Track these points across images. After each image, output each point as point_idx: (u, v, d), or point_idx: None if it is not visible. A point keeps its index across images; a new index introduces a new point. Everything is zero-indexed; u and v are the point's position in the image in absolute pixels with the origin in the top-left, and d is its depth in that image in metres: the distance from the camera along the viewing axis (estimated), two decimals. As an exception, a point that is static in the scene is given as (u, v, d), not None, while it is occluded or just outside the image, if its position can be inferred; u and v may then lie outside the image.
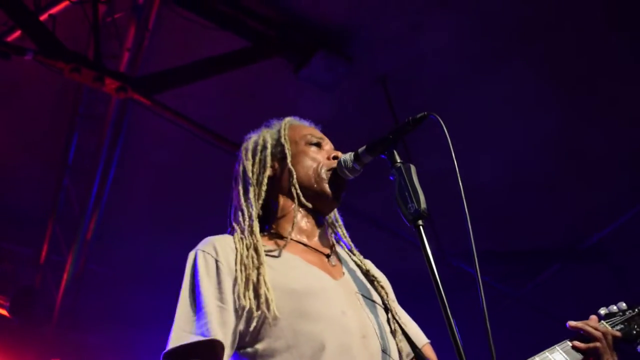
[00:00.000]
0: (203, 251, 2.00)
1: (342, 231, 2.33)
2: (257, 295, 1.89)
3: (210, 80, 5.10)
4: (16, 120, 5.69)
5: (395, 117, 5.28)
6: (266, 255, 2.01)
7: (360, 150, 2.11)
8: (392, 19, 4.96)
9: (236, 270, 1.95)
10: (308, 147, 2.27)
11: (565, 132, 5.78)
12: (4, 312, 6.72)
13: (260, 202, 2.17)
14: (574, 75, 5.36)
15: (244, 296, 1.88)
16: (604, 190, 6.28)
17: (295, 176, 2.17)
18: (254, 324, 1.87)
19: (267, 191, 2.19)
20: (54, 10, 4.80)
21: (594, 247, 6.88)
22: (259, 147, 2.30)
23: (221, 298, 1.89)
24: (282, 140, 2.27)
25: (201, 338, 1.81)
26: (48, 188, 6.11)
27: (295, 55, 5.03)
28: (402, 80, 5.33)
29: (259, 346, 1.86)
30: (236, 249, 2.01)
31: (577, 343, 2.16)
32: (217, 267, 1.95)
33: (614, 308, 2.50)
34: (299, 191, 2.15)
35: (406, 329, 2.11)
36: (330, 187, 2.17)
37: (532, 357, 2.09)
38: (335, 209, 2.33)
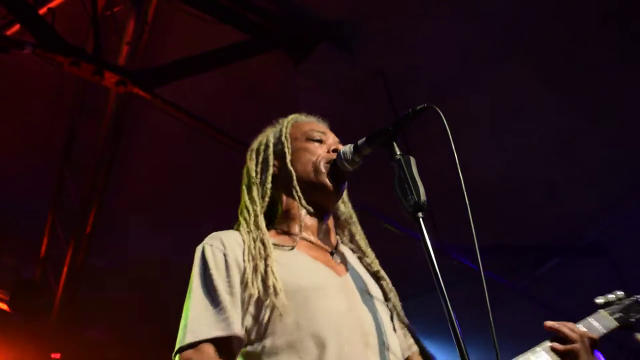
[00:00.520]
0: (211, 245, 2.00)
1: (356, 228, 2.32)
2: (265, 286, 1.89)
3: (211, 74, 5.09)
4: (16, 115, 5.69)
5: (395, 111, 5.27)
6: (273, 248, 2.01)
7: (359, 142, 2.10)
8: (393, 13, 4.95)
9: (244, 260, 1.95)
10: (308, 142, 2.26)
11: (565, 131, 5.78)
12: (4, 306, 6.73)
13: (266, 199, 2.18)
14: (573, 75, 5.35)
15: (252, 284, 1.88)
16: (603, 186, 6.28)
17: (294, 177, 2.18)
18: (261, 316, 1.87)
19: (271, 189, 2.20)
20: (53, 3, 4.79)
21: (593, 241, 6.90)
22: (262, 147, 2.31)
23: (231, 292, 1.89)
24: (283, 138, 2.28)
25: (222, 333, 1.81)
26: (48, 182, 6.11)
27: (295, 49, 5.03)
28: (402, 74, 5.32)
29: (264, 343, 1.85)
30: (244, 241, 2.02)
31: (555, 345, 2.15)
32: (226, 261, 1.95)
33: (611, 296, 2.50)
34: (299, 193, 2.16)
35: (412, 332, 2.12)
36: (329, 179, 2.17)
37: (515, 358, 2.10)
38: (350, 205, 2.33)
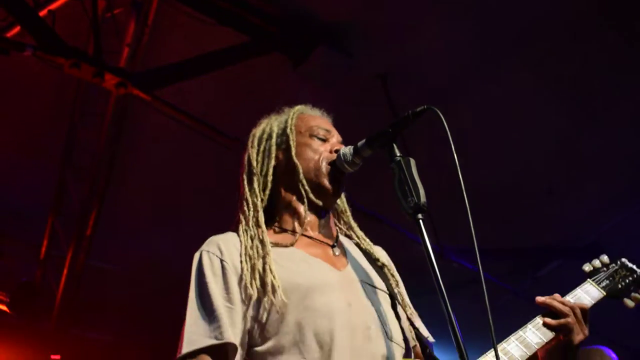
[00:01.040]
0: (208, 251, 1.99)
1: (350, 220, 2.32)
2: (263, 284, 1.89)
3: (210, 76, 5.09)
4: (17, 117, 5.69)
5: (395, 113, 5.27)
6: (271, 247, 2.01)
7: (359, 143, 2.10)
8: (392, 15, 4.95)
9: (241, 262, 1.95)
10: (312, 139, 2.24)
11: (565, 132, 5.78)
12: (4, 307, 6.73)
13: (267, 192, 2.16)
14: (573, 77, 5.36)
15: (251, 285, 1.89)
16: (603, 188, 6.29)
17: (301, 171, 2.15)
18: (262, 316, 1.87)
19: (272, 182, 2.18)
20: (54, 5, 4.79)
21: (593, 243, 6.90)
22: (265, 136, 2.27)
23: (229, 299, 1.89)
24: (288, 130, 2.24)
25: (215, 342, 1.81)
26: (48, 184, 6.11)
27: (295, 51, 5.03)
28: (402, 77, 5.32)
29: (267, 344, 1.86)
30: (240, 242, 2.01)
31: (547, 320, 2.15)
32: (223, 267, 1.95)
33: (596, 263, 2.50)
34: (307, 187, 2.14)
35: (412, 318, 2.11)
36: (329, 181, 2.16)
37: (508, 338, 2.10)
38: (344, 200, 2.32)
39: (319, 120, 2.35)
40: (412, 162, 1.90)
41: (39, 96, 5.56)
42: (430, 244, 1.75)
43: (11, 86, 5.43)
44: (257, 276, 1.91)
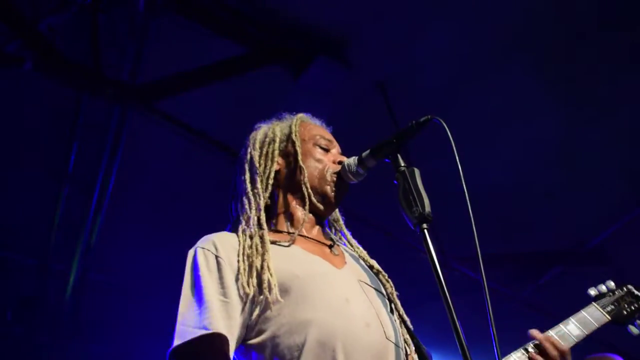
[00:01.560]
0: (202, 248, 1.99)
1: (343, 229, 2.35)
2: (260, 282, 1.90)
3: (210, 88, 5.10)
4: (16, 130, 5.69)
5: (396, 123, 5.29)
6: (270, 245, 2.02)
7: (364, 154, 2.11)
8: (390, 25, 4.97)
9: (238, 261, 1.95)
10: (315, 148, 2.27)
11: (566, 135, 5.78)
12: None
13: (267, 194, 2.18)
14: (573, 80, 5.36)
15: (247, 284, 1.89)
16: (605, 193, 6.28)
17: (306, 174, 2.18)
18: (257, 311, 1.88)
19: (272, 185, 2.20)
20: (53, 19, 4.81)
21: (596, 249, 6.88)
22: (267, 140, 2.30)
23: (224, 293, 1.89)
24: (294, 136, 2.28)
25: (204, 332, 1.81)
26: (49, 197, 6.10)
27: (294, 62, 5.04)
28: (402, 86, 5.33)
29: (264, 336, 1.86)
30: (239, 242, 2.01)
31: (533, 355, 2.16)
32: (218, 263, 1.94)
33: (602, 288, 2.53)
34: (309, 190, 2.16)
35: (408, 324, 2.12)
36: (334, 191, 2.19)
37: (507, 357, 2.11)
38: (337, 210, 2.35)
39: (321, 130, 2.39)
40: (417, 172, 1.91)
41: (39, 110, 5.56)
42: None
43: (10, 99, 5.44)
44: (255, 274, 1.91)
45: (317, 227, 2.21)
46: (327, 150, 2.29)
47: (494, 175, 6.01)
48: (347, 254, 2.21)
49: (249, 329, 1.89)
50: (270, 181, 2.20)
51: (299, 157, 2.21)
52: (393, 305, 2.11)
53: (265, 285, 1.87)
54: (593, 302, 2.42)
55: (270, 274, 1.90)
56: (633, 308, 2.46)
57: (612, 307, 2.42)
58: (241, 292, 1.88)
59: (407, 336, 2.07)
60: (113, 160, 5.58)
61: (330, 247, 2.15)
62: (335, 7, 4.93)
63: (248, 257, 1.95)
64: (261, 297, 1.86)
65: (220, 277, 1.92)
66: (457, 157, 1.80)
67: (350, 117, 5.47)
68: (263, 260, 1.94)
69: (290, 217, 2.17)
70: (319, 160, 2.24)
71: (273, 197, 2.23)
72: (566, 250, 7.06)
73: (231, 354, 1.83)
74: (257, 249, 1.97)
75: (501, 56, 5.19)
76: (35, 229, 6.39)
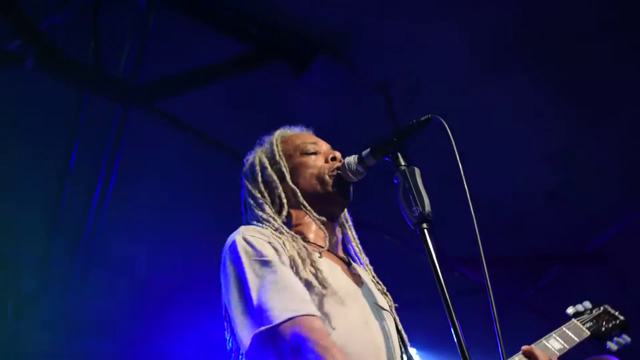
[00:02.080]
0: (252, 235, 1.95)
1: (351, 233, 2.34)
2: (315, 275, 1.88)
3: (211, 87, 5.10)
4: (17, 128, 5.69)
5: (396, 122, 5.28)
6: None
7: (364, 152, 2.11)
8: (392, 24, 4.97)
9: (288, 249, 1.92)
10: (305, 157, 2.28)
11: (567, 137, 5.78)
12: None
13: (284, 214, 2.17)
14: (575, 83, 5.36)
15: (304, 270, 1.87)
16: (606, 195, 6.27)
17: (299, 194, 2.18)
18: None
19: (287, 204, 2.19)
20: (55, 18, 4.81)
21: (596, 251, 6.87)
22: (258, 168, 2.29)
23: (295, 272, 1.87)
24: (277, 158, 2.28)
25: (315, 312, 1.75)
26: (49, 194, 6.11)
27: (295, 61, 5.04)
28: (403, 85, 5.33)
29: None
30: (278, 237, 1.99)
31: None
32: (274, 247, 1.91)
33: (580, 307, 2.63)
34: (309, 208, 2.17)
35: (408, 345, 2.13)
36: (335, 188, 2.19)
37: None
38: (346, 211, 2.34)
39: (303, 136, 2.39)
40: (417, 171, 1.91)
41: (40, 109, 5.56)
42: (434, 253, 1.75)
43: (11, 98, 5.44)
44: (308, 264, 1.89)
45: (334, 239, 2.21)
46: (316, 154, 2.29)
47: (495, 177, 6.01)
48: (360, 271, 2.22)
49: None
50: (284, 201, 2.18)
51: (288, 178, 2.21)
52: (399, 327, 2.12)
53: (321, 277, 1.86)
54: (573, 319, 2.50)
55: (325, 277, 1.88)
56: (610, 325, 2.58)
57: (591, 323, 2.53)
58: (300, 275, 1.86)
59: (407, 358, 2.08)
60: (114, 158, 5.58)
61: (348, 264, 2.16)
62: (336, 6, 4.93)
63: (293, 247, 1.94)
64: (319, 288, 1.84)
65: (281, 261, 1.87)
66: (457, 157, 1.79)
67: (351, 116, 5.48)
68: (312, 260, 1.92)
69: (308, 229, 2.17)
70: (312, 167, 2.24)
71: (287, 214, 2.20)
72: (567, 252, 7.05)
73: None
74: (300, 251, 1.95)
75: (502, 56, 5.19)
76: (36, 226, 6.39)
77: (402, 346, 2.05)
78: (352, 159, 2.16)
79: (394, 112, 5.32)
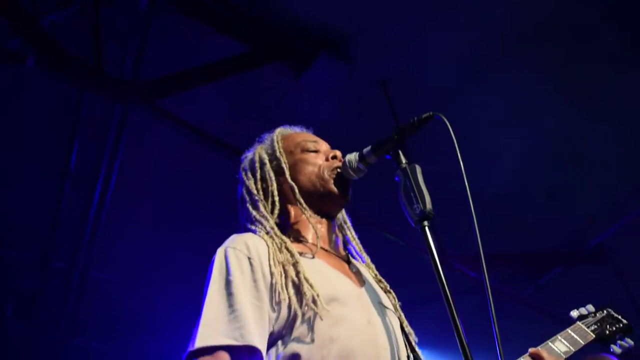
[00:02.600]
0: (234, 248, 1.93)
1: (350, 233, 2.33)
2: (298, 292, 1.85)
3: (212, 86, 5.10)
4: (18, 127, 5.69)
5: (397, 120, 5.28)
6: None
7: (365, 150, 2.11)
8: (393, 23, 4.97)
9: (270, 266, 1.90)
10: (305, 154, 2.27)
11: (567, 135, 5.78)
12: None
13: (276, 212, 2.16)
14: (575, 80, 5.36)
15: (282, 289, 1.84)
16: (605, 193, 6.28)
17: (297, 191, 2.17)
18: (287, 322, 1.83)
19: (279, 201, 2.18)
20: (55, 15, 4.81)
21: (596, 249, 6.88)
22: (257, 165, 2.28)
23: (258, 297, 1.84)
24: (277, 154, 2.27)
25: (233, 342, 1.74)
26: (50, 194, 6.11)
27: (296, 60, 5.04)
28: (404, 83, 5.33)
29: (287, 350, 1.81)
30: (267, 246, 1.97)
31: None
32: (251, 264, 1.89)
33: (583, 310, 2.62)
34: (304, 205, 2.15)
35: (414, 345, 2.11)
36: (335, 186, 2.18)
37: None
38: (344, 211, 2.33)
39: (304, 134, 2.39)
40: (418, 168, 1.90)
41: (41, 107, 5.56)
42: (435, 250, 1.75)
43: (13, 97, 5.44)
44: (290, 282, 1.87)
45: (333, 236, 2.20)
46: (316, 152, 2.29)
47: (495, 175, 6.01)
48: (361, 269, 2.20)
49: (279, 335, 1.84)
50: (276, 199, 2.17)
51: (287, 174, 2.20)
52: (404, 326, 2.11)
53: (309, 297, 1.83)
54: (578, 322, 2.51)
55: (310, 285, 1.86)
56: (614, 328, 2.59)
57: (595, 326, 2.53)
58: (275, 299, 1.84)
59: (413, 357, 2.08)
60: (114, 157, 5.58)
61: (348, 262, 2.14)
62: (337, 4, 4.93)
63: (280, 262, 1.91)
64: (305, 309, 1.82)
65: (254, 280, 1.86)
66: (459, 154, 1.79)
67: (352, 114, 5.48)
68: (297, 271, 1.90)
69: (306, 227, 2.16)
70: (313, 164, 2.23)
71: (285, 211, 2.21)
72: (567, 250, 7.06)
73: None
74: (287, 258, 1.93)
75: (503, 55, 5.19)
76: (36, 226, 6.39)
77: (407, 345, 2.04)
78: (353, 157, 2.15)
79: (394, 110, 5.32)
